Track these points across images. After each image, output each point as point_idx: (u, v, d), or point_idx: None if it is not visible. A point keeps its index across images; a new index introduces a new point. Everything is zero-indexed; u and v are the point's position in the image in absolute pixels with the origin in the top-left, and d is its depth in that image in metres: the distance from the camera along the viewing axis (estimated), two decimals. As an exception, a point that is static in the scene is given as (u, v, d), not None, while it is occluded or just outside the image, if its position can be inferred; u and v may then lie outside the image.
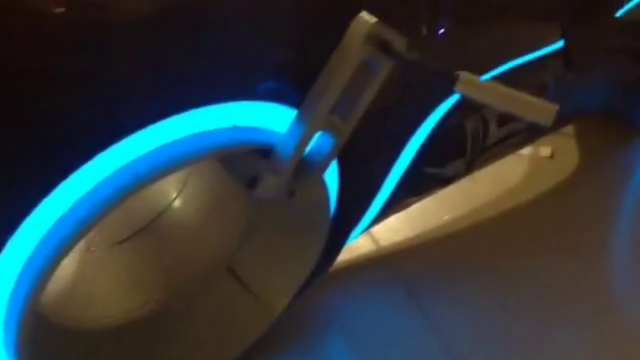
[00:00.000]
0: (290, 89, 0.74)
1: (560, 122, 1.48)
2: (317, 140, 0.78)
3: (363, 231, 1.10)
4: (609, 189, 1.58)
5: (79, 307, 0.87)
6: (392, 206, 1.12)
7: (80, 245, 0.75)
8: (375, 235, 1.33)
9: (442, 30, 0.94)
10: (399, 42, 0.73)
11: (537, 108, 0.70)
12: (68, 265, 0.88)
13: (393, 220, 1.28)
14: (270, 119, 0.75)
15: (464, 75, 0.70)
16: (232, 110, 0.72)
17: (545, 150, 1.66)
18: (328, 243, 0.94)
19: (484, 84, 0.70)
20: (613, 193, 1.57)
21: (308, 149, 0.77)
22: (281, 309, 0.93)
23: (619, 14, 1.33)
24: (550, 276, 1.30)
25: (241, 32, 0.70)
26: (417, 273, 1.26)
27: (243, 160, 0.74)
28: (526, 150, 1.64)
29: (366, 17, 0.71)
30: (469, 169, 1.17)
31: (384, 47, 0.72)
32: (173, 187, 0.98)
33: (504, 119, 1.16)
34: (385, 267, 1.28)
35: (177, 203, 0.98)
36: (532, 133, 1.36)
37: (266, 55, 0.73)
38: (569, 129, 1.72)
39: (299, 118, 0.73)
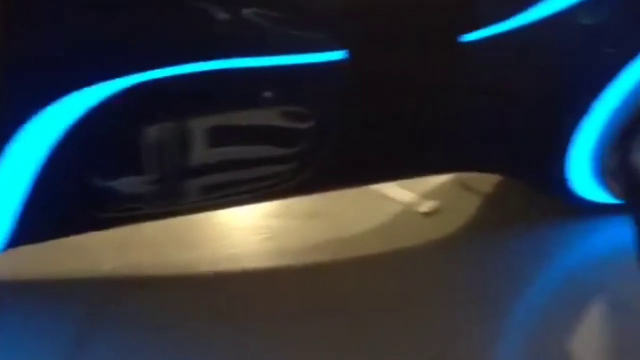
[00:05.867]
0: None
1: (419, 170, 1.17)
2: None
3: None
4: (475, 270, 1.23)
5: None
6: (63, 222, 0.90)
7: None
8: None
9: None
10: None
11: None
12: None
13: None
14: None
15: None
16: None
17: (426, 205, 1.33)
18: None
19: None
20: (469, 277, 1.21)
21: None
22: None
23: (467, 38, 0.99)
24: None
25: None
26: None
27: None
28: (406, 197, 1.33)
29: None
30: (177, 194, 0.91)
31: None
32: None
33: (223, 136, 0.89)
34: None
35: None
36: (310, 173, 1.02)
37: None
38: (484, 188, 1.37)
39: None
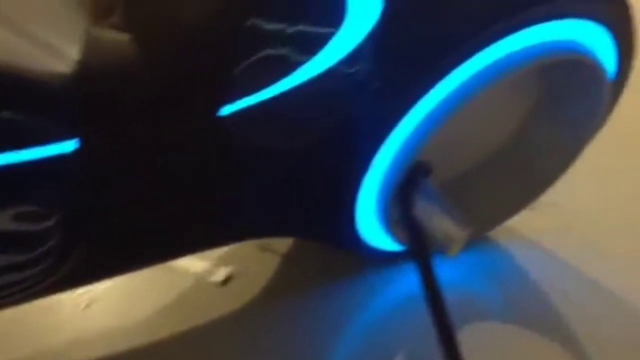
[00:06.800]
0: None
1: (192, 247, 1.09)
2: None
3: None
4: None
5: None
6: None
7: None
8: None
9: None
10: None
11: None
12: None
13: None
14: None
15: None
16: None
17: (220, 273, 1.26)
18: None
19: None
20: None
21: None
22: None
23: (226, 111, 0.94)
24: None
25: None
26: None
27: None
28: (198, 268, 1.25)
29: None
30: None
31: None
32: None
33: None
34: None
35: None
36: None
37: None
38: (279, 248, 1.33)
39: None
